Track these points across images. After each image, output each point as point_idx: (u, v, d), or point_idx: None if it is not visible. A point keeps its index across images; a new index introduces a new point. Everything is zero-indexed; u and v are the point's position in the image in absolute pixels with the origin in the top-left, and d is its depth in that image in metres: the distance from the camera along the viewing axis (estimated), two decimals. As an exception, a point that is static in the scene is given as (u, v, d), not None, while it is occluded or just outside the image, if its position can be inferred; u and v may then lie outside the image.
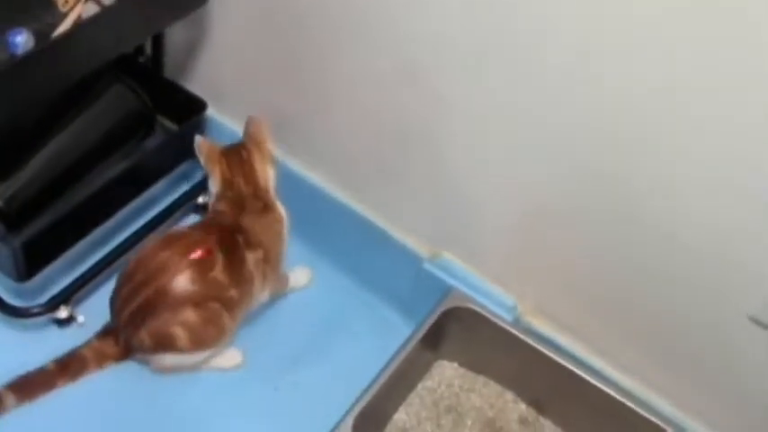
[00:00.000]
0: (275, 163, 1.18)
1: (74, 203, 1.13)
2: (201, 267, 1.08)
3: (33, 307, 1.16)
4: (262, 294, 1.17)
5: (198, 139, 1.15)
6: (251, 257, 1.12)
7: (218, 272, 1.09)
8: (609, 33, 0.87)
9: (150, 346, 1.11)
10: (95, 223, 1.19)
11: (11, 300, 1.16)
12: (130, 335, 1.11)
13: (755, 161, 0.85)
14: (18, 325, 1.18)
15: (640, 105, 0.89)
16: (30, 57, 1.00)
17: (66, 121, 1.18)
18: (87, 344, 1.13)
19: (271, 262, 1.16)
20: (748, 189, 0.88)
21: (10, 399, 1.07)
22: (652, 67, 0.86)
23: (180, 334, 1.09)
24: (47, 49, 1.01)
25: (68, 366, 1.11)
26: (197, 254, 1.08)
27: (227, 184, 1.14)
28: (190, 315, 1.08)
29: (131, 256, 1.14)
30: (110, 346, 1.13)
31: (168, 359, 1.13)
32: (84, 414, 1.11)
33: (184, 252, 1.08)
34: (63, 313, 1.17)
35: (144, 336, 1.10)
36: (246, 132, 1.17)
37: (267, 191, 1.16)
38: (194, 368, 1.17)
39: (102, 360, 1.13)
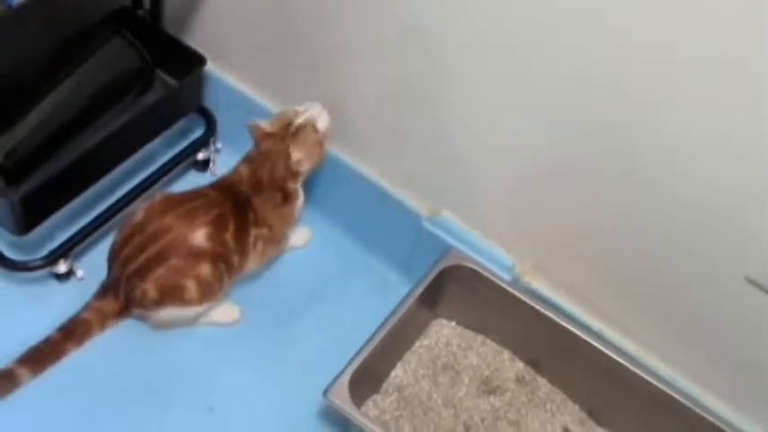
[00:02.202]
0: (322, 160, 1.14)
1: (73, 158, 1.12)
2: (217, 227, 1.10)
3: (32, 261, 1.16)
4: (252, 268, 1.18)
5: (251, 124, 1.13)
6: (253, 233, 1.14)
7: (229, 236, 1.11)
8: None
9: (154, 299, 1.11)
10: (94, 178, 1.18)
11: (10, 254, 1.16)
12: (134, 286, 1.11)
13: (757, 123, 0.84)
14: (18, 279, 1.19)
15: (641, 65, 0.88)
16: (25, 8, 0.99)
17: (64, 75, 1.17)
18: (87, 307, 1.13)
19: (273, 241, 1.17)
20: (749, 150, 0.87)
21: (24, 373, 1.08)
22: (655, 25, 0.84)
23: (191, 286, 1.10)
24: (40, 2, 1.00)
25: (73, 332, 1.12)
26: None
27: (253, 166, 1.13)
28: (205, 269, 1.10)
29: (135, 208, 1.14)
30: (109, 304, 1.13)
31: (168, 313, 1.13)
32: (83, 374, 1.12)
33: (203, 209, 1.10)
34: (62, 267, 1.18)
35: (149, 287, 1.10)
36: (304, 120, 1.12)
37: (293, 186, 1.14)
38: (191, 323, 1.17)
39: (104, 320, 1.13)
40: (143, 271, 1.10)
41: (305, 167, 1.13)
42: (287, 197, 1.14)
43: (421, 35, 1.03)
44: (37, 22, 1.00)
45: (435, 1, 0.99)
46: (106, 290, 1.14)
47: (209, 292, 1.12)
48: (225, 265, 1.12)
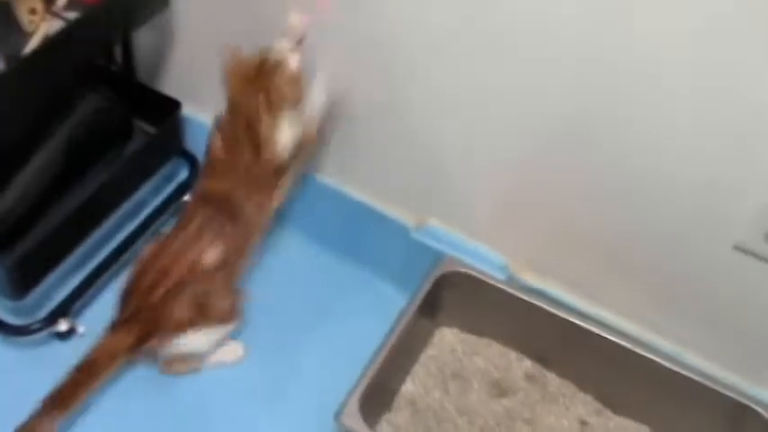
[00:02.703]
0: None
1: (62, 217, 1.14)
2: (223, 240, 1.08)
3: (33, 323, 1.17)
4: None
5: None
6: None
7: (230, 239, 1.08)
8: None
9: (180, 321, 1.08)
10: (86, 233, 1.20)
11: (10, 319, 1.17)
12: (158, 313, 1.08)
13: (734, 93, 0.85)
14: (20, 343, 1.19)
15: (608, 56, 0.90)
16: (1, 78, 1.01)
17: (45, 137, 1.19)
18: (98, 344, 1.10)
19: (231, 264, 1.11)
20: (728, 122, 0.88)
21: (47, 421, 1.05)
22: (623, 19, 0.86)
23: (216, 304, 1.09)
24: (17, 69, 1.02)
25: (86, 369, 1.08)
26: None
27: (229, 124, 1.05)
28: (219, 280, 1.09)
29: (148, 246, 1.12)
30: (121, 339, 1.09)
31: (189, 340, 1.11)
32: (91, 415, 1.12)
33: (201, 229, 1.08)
34: (63, 326, 1.18)
35: (178, 311, 1.07)
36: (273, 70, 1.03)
37: (275, 159, 1.05)
38: (200, 362, 1.18)
39: (115, 355, 1.09)
40: (170, 296, 1.08)
41: (291, 101, 1.04)
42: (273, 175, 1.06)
43: (392, 49, 1.05)
44: (14, 90, 1.02)
45: (401, 14, 1.01)
46: (117, 326, 1.11)
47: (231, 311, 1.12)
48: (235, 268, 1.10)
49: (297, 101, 1.06)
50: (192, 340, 1.12)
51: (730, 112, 0.87)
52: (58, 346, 1.20)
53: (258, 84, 1.04)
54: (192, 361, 1.17)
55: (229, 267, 1.11)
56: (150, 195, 1.32)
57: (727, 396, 1.04)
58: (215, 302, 1.10)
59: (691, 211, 0.97)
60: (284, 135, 1.06)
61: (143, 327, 1.11)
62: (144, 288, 1.10)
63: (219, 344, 1.17)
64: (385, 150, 1.17)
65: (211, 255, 1.08)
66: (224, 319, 1.13)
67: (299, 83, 1.05)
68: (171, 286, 1.08)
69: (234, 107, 1.07)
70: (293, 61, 1.05)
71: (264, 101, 1.04)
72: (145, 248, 1.13)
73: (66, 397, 1.08)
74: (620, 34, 0.88)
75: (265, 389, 1.18)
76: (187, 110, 1.25)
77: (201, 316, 1.10)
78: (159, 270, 1.08)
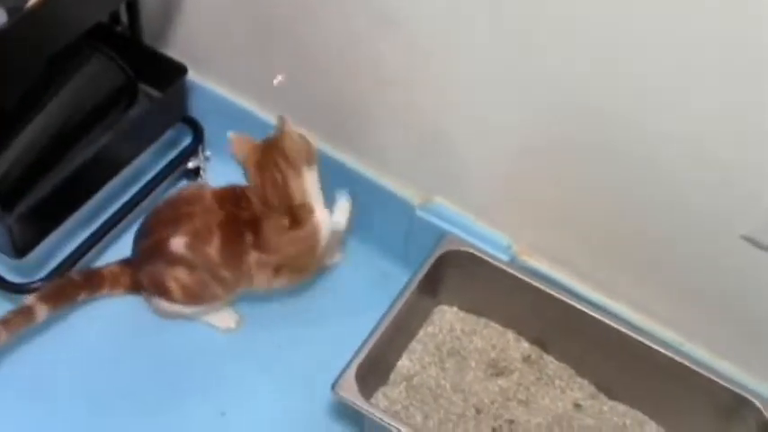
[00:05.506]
0: (317, 163, 1.11)
1: (63, 177, 1.13)
2: (198, 238, 1.09)
3: (34, 282, 1.16)
4: (268, 286, 1.15)
5: (230, 135, 1.09)
6: (254, 257, 1.10)
7: (213, 249, 1.09)
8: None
9: (149, 289, 1.14)
10: (87, 195, 1.19)
11: (10, 277, 1.17)
12: (139, 270, 1.14)
13: (738, 78, 0.84)
14: (20, 301, 1.18)
15: (617, 34, 0.88)
16: (3, 32, 0.99)
17: (48, 97, 1.18)
18: (107, 266, 1.17)
19: (285, 271, 1.13)
20: (732, 108, 0.86)
21: (42, 309, 1.09)
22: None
23: (174, 287, 1.11)
24: (19, 22, 1.00)
25: (90, 279, 1.15)
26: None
27: (257, 192, 1.10)
28: (182, 273, 1.10)
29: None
30: (124, 276, 1.16)
31: (164, 305, 1.15)
32: (91, 378, 1.15)
33: (189, 216, 1.10)
34: (63, 286, 1.19)
35: (144, 277, 1.13)
36: (278, 137, 1.09)
37: (303, 205, 1.10)
38: (191, 318, 1.19)
39: (114, 285, 1.16)
40: (143, 259, 1.13)
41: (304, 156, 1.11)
42: (297, 221, 1.10)
43: (397, 24, 1.03)
44: (17, 45, 1.01)
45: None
46: (126, 263, 1.17)
47: (193, 296, 1.13)
48: (210, 276, 1.10)
49: (310, 157, 1.11)
50: (165, 306, 1.15)
51: (747, 96, 0.85)
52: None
53: (272, 153, 1.09)
54: (181, 317, 1.18)
55: (203, 274, 1.10)
56: (153, 160, 1.30)
57: (726, 388, 1.04)
58: (174, 287, 1.11)
59: (695, 201, 0.96)
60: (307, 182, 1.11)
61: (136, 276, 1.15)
62: (142, 235, 1.15)
63: (206, 312, 1.18)
64: (393, 126, 1.15)
65: (178, 245, 1.08)
66: (188, 303, 1.14)
67: (304, 140, 1.11)
68: (146, 247, 1.13)
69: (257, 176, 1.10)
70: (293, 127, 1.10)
71: (283, 161, 1.09)
72: (166, 198, 1.16)
73: (60, 294, 1.11)
74: (631, 17, 0.86)
75: (264, 357, 1.19)
76: (193, 75, 1.24)
77: (161, 294, 1.13)
78: (152, 225, 1.14)
